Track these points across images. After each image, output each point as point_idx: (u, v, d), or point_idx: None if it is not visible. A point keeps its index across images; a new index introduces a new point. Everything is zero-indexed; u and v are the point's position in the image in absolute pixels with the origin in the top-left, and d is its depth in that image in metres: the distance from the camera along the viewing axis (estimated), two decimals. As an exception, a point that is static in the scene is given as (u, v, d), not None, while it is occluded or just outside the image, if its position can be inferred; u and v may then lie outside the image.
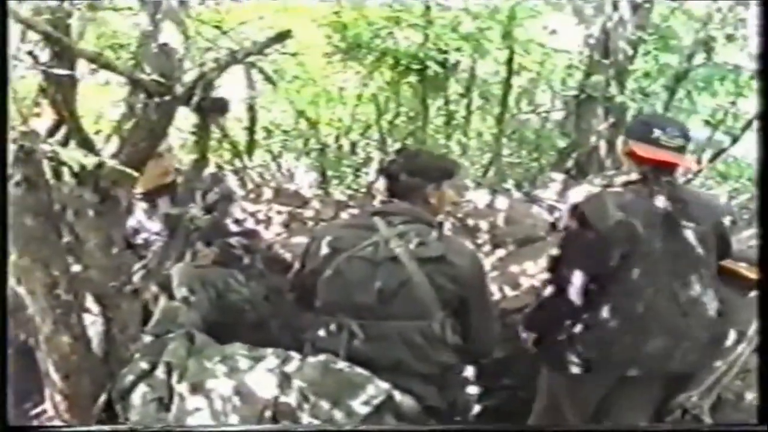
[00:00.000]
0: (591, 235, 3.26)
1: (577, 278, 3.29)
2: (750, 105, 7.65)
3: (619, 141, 3.50)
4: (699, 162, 7.48)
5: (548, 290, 3.48)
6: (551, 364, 3.54)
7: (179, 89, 2.96)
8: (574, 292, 3.30)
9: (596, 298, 3.30)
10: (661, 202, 3.31)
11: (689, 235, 3.35)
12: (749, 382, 3.42)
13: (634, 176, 3.36)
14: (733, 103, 7.59)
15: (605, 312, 3.28)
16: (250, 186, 6.78)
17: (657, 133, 3.33)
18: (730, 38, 6.99)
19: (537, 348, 3.57)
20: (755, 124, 7.39)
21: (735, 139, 7.46)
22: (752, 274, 3.71)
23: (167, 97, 2.94)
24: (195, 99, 2.98)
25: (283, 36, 3.10)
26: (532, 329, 3.58)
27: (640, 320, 3.26)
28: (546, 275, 3.63)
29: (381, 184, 3.48)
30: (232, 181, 4.65)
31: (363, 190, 6.96)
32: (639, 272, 3.25)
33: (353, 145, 8.31)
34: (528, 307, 3.70)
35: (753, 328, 3.54)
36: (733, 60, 7.53)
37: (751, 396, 3.38)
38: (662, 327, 3.28)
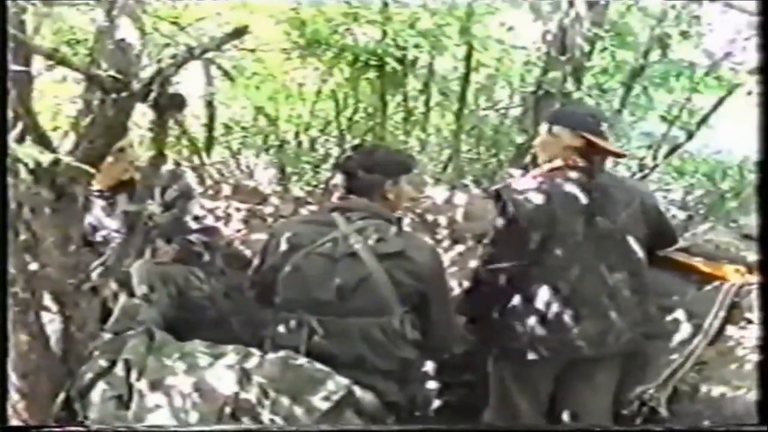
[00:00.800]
0: (511, 220, 3.38)
1: (502, 261, 3.42)
2: (704, 101, 7.76)
3: (563, 131, 3.53)
4: (655, 158, 7.58)
5: (477, 275, 3.60)
6: (494, 353, 3.65)
7: (136, 85, 2.93)
8: (500, 276, 3.42)
9: (521, 281, 3.40)
10: (584, 188, 3.43)
11: (614, 219, 3.46)
12: (705, 375, 3.48)
13: (557, 163, 3.48)
14: (689, 99, 7.67)
15: (534, 295, 3.39)
16: (208, 183, 6.76)
17: (604, 126, 3.51)
18: (684, 35, 7.07)
19: (472, 332, 3.71)
20: (711, 120, 7.54)
21: (690, 135, 7.55)
22: (708, 269, 3.77)
23: (124, 94, 2.91)
24: (152, 95, 2.97)
25: (240, 32, 3.09)
26: (464, 313, 3.66)
27: (569, 302, 3.35)
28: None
29: (339, 180, 3.49)
30: (190, 178, 4.63)
31: (322, 186, 6.95)
32: (561, 254, 3.35)
33: (313, 141, 8.28)
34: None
35: (708, 321, 3.60)
36: (688, 57, 7.61)
37: (706, 388, 3.44)
38: (592, 309, 3.34)
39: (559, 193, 3.39)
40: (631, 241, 3.48)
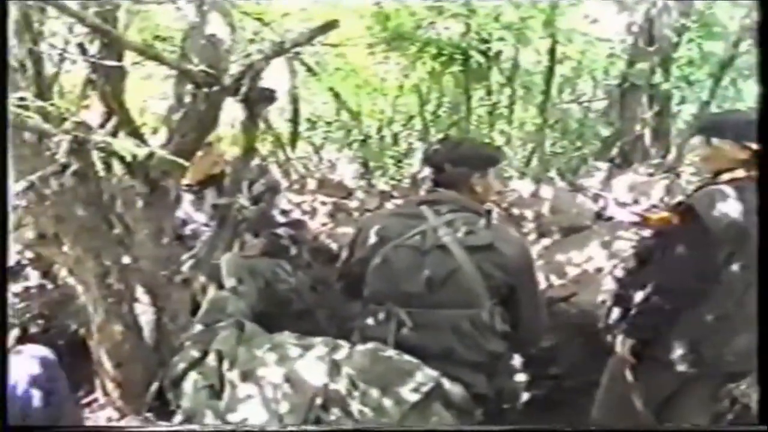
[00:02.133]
0: (699, 233, 3.20)
1: (678, 278, 3.26)
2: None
3: (724, 144, 3.31)
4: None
5: (644, 291, 3.39)
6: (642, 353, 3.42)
7: (227, 80, 2.97)
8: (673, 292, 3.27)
9: (696, 296, 3.25)
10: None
11: None
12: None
13: (740, 173, 3.27)
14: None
15: (705, 310, 3.24)
16: (294, 177, 6.80)
17: None
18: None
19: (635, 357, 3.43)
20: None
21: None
22: None
23: (215, 88, 2.95)
24: (243, 89, 3.00)
25: (330, 26, 3.11)
26: (632, 335, 3.43)
27: (730, 320, 3.21)
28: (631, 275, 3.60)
29: (426, 173, 3.47)
30: (276, 173, 4.68)
31: (407, 180, 6.95)
32: (739, 271, 3.19)
33: (395, 136, 8.30)
34: (621, 313, 3.56)
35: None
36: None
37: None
38: (749, 324, 3.24)
39: (748, 207, 3.26)
40: None
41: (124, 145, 2.45)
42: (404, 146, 8.38)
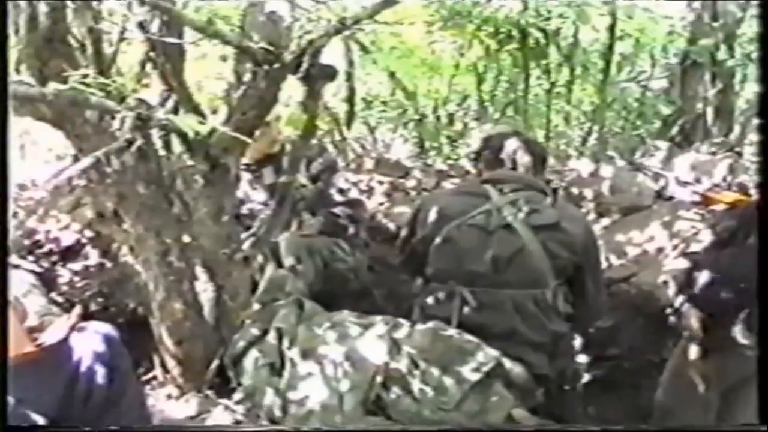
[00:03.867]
0: None
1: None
2: None
3: None
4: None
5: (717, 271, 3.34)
6: (716, 340, 3.32)
7: (288, 57, 2.96)
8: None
9: None
10: None
11: None
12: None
13: None
14: None
15: None
16: (351, 157, 6.80)
17: None
18: None
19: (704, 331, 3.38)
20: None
21: None
22: None
23: (276, 65, 2.95)
24: (303, 67, 2.99)
25: (391, 1, 3.09)
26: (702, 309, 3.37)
27: None
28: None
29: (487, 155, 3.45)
30: (333, 152, 4.68)
31: (463, 159, 6.90)
32: None
33: (451, 115, 8.26)
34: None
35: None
36: None
37: None
38: None
39: None
40: None
41: (187, 121, 2.44)
42: (460, 126, 8.32)
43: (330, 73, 3.19)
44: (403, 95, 8.23)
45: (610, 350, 4.41)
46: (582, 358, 3.57)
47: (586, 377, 4.09)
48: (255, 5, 3.03)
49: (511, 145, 3.39)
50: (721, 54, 6.77)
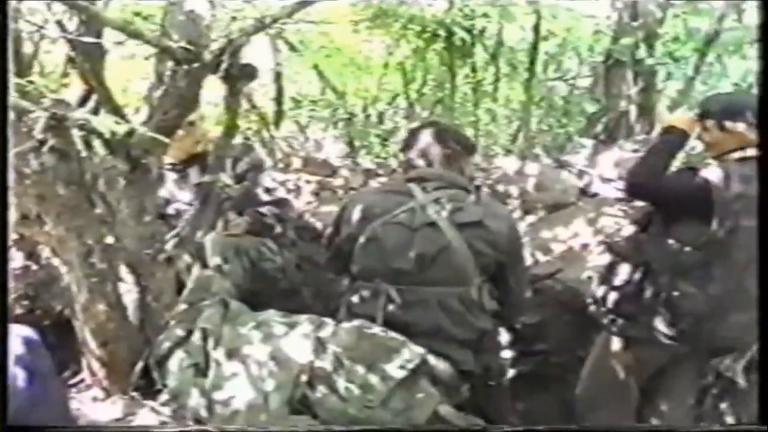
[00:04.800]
0: (706, 204, 3.18)
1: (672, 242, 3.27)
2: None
3: (738, 126, 3.29)
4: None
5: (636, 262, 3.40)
6: (635, 330, 3.38)
7: (207, 56, 2.95)
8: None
9: (695, 267, 3.24)
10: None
11: None
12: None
13: (750, 152, 3.26)
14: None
15: (699, 283, 3.23)
16: (278, 156, 6.78)
17: None
18: (760, -2, 6.88)
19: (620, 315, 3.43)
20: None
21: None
22: None
23: (195, 65, 2.94)
24: (223, 66, 2.98)
25: (309, 1, 3.09)
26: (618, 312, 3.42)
27: (728, 296, 3.20)
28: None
29: (414, 153, 3.46)
30: (261, 152, 4.66)
31: (392, 159, 6.92)
32: (741, 247, 3.16)
33: (381, 114, 8.27)
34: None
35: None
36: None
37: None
38: (745, 303, 3.24)
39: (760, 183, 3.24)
40: None
41: (104, 122, 2.43)
42: (390, 125, 8.34)
43: (250, 73, 3.19)
44: (333, 94, 8.22)
45: (538, 346, 4.45)
46: (507, 354, 3.61)
47: (511, 373, 4.15)
48: (175, 4, 3.01)
49: (425, 138, 3.42)
50: (642, 53, 6.87)
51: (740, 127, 3.27)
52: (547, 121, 8.01)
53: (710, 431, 3.29)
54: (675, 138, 3.41)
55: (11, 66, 2.83)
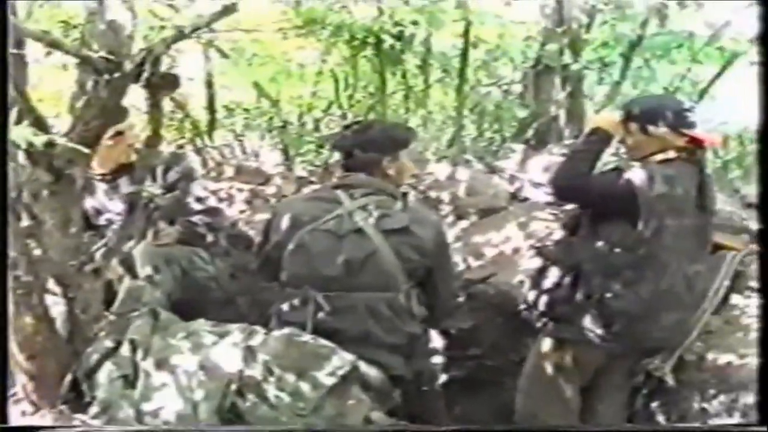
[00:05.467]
0: (632, 205, 3.25)
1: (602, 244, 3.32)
2: (705, 71, 7.72)
3: (660, 131, 3.37)
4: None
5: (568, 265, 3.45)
6: (569, 332, 3.45)
7: (128, 66, 2.93)
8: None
9: (625, 268, 3.30)
10: (695, 179, 3.35)
11: (712, 210, 3.46)
12: (711, 343, 3.48)
13: (671, 154, 3.35)
14: (689, 70, 7.65)
15: (631, 284, 3.29)
16: (211, 165, 6.75)
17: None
18: (682, 5, 6.99)
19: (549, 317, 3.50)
20: (714, 91, 7.49)
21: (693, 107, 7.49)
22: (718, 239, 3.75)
23: (116, 74, 2.91)
24: (144, 75, 2.96)
25: (229, 9, 3.08)
26: (552, 315, 3.49)
27: (658, 295, 3.27)
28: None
29: (337, 159, 3.49)
30: (193, 160, 4.64)
31: (324, 166, 6.92)
32: (668, 247, 3.25)
33: (317, 121, 8.26)
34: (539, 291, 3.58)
35: (713, 290, 3.59)
36: (688, 27, 7.56)
37: (712, 357, 3.45)
38: (674, 302, 3.31)
39: (679, 183, 3.29)
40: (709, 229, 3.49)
41: (21, 133, 2.41)
42: (326, 132, 8.33)
43: (172, 81, 3.17)
44: (267, 102, 8.19)
45: (472, 350, 4.49)
46: (438, 359, 3.64)
47: (446, 377, 4.18)
48: (95, 14, 2.98)
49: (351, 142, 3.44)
50: (567, 58, 6.95)
51: (662, 131, 3.34)
52: (480, 127, 8.05)
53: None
54: (598, 139, 3.46)
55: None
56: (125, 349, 2.92)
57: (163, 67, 3.06)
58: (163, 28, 3.43)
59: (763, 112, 2.84)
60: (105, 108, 2.98)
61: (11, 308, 3.00)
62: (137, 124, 4.12)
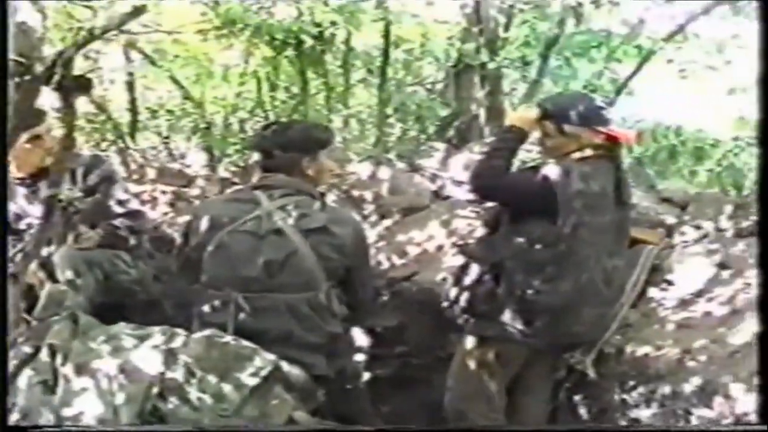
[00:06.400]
0: (550, 202, 3.27)
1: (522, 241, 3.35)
2: (622, 69, 7.88)
3: (577, 130, 3.40)
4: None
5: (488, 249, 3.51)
6: (491, 329, 3.46)
7: (39, 68, 2.91)
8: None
9: (546, 264, 3.32)
10: (614, 176, 3.41)
11: (629, 204, 3.54)
12: (629, 336, 3.55)
13: (588, 152, 3.39)
14: (606, 68, 7.78)
15: (552, 280, 3.32)
16: (133, 167, 6.68)
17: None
18: (596, 4, 7.10)
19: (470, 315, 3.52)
20: (633, 88, 7.64)
21: (610, 104, 7.63)
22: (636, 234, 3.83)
23: (27, 77, 2.89)
24: (55, 78, 2.94)
25: (139, 10, 3.07)
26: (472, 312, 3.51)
27: (578, 291, 3.30)
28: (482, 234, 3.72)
29: (256, 160, 3.49)
30: (114, 163, 4.60)
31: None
32: (587, 242, 3.28)
33: (242, 123, 8.21)
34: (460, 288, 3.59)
35: (630, 284, 3.67)
36: (605, 26, 7.70)
37: (630, 349, 3.51)
38: (594, 297, 3.35)
39: (596, 179, 3.33)
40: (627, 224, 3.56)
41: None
42: (251, 133, 8.28)
43: (84, 84, 3.15)
44: (190, 104, 8.13)
45: (398, 348, 4.52)
46: (361, 357, 3.66)
47: (372, 375, 4.20)
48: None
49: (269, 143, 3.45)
50: (485, 57, 7.00)
51: (578, 129, 3.39)
52: (402, 126, 8.08)
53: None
54: (514, 137, 3.49)
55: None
56: (44, 355, 2.87)
57: (83, 70, 3.05)
58: (80, 29, 3.38)
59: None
60: (17, 111, 2.95)
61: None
62: (56, 127, 4.07)
